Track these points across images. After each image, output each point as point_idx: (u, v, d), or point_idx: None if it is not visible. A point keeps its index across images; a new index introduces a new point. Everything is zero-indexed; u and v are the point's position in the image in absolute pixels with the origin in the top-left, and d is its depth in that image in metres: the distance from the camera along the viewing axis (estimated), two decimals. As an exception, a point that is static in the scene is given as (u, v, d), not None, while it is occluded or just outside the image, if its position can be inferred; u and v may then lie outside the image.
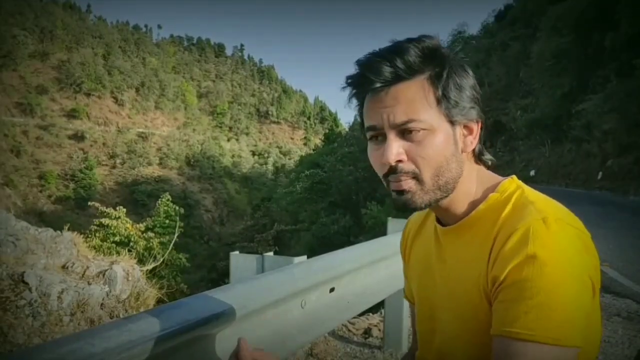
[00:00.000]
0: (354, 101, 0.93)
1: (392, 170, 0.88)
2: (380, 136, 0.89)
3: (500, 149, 28.85)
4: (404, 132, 0.86)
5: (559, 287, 0.77)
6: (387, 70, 0.85)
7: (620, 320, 4.58)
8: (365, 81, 0.87)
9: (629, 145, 18.33)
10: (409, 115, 0.85)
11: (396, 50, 0.87)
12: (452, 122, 0.89)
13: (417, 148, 0.86)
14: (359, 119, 0.99)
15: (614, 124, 19.29)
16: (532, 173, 24.82)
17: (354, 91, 0.92)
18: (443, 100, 0.87)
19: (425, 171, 0.87)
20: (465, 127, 0.92)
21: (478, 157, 0.96)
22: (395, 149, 0.86)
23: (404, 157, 0.87)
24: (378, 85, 0.86)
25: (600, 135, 20.62)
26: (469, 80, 0.91)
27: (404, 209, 0.91)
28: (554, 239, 0.80)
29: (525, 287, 0.78)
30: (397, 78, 0.86)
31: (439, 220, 1.01)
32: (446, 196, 0.91)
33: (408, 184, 0.88)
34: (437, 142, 0.87)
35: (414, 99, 0.86)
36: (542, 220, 0.82)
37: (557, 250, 0.79)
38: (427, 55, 0.87)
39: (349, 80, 0.91)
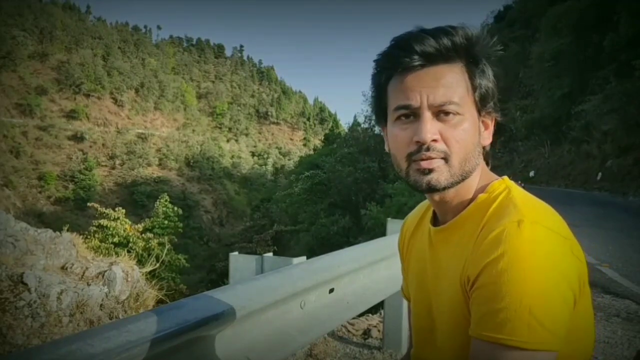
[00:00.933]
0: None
1: (420, 149, 0.87)
2: (411, 115, 0.88)
3: (500, 149, 28.86)
4: (439, 114, 0.87)
5: (528, 290, 0.76)
6: (432, 45, 0.85)
7: (620, 321, 4.59)
8: (407, 54, 0.86)
9: (628, 146, 18.36)
10: (448, 97, 0.86)
11: (443, 30, 0.87)
12: (479, 113, 0.91)
13: (452, 131, 0.87)
14: (372, 99, 0.98)
15: (613, 125, 19.32)
16: (531, 174, 24.85)
17: (385, 67, 0.91)
18: (478, 89, 0.89)
19: (456, 154, 0.88)
20: (483, 122, 0.93)
21: (486, 154, 0.97)
22: (432, 127, 0.86)
23: (438, 137, 0.87)
24: (419, 62, 0.86)
25: (599, 136, 20.64)
26: (493, 76, 0.92)
27: (426, 188, 0.90)
28: (525, 242, 0.79)
29: (494, 290, 0.78)
30: (441, 57, 0.86)
31: (434, 218, 1.02)
32: (461, 183, 0.91)
33: (437, 163, 0.88)
34: (468, 129, 0.88)
35: (454, 83, 0.87)
36: (517, 223, 0.81)
37: (528, 254, 0.78)
38: (469, 42, 0.88)
39: (386, 55, 0.90)
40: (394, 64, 0.88)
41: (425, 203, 1.12)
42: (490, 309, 0.78)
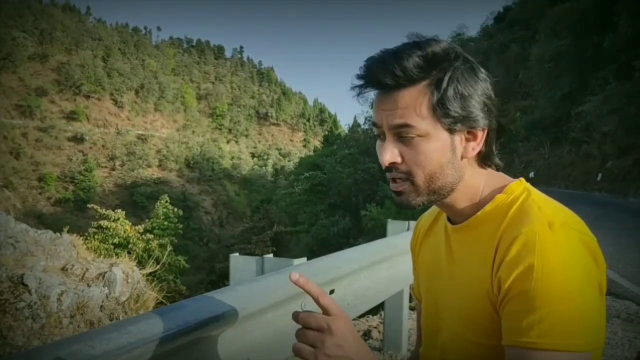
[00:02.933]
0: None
1: (388, 170, 0.91)
2: (382, 134, 0.91)
3: (500, 150, 28.76)
4: (400, 136, 0.88)
5: (569, 293, 0.77)
6: (387, 78, 0.86)
7: (620, 321, 4.59)
8: (367, 82, 0.89)
9: (628, 147, 18.36)
10: (404, 119, 0.86)
11: (397, 57, 0.86)
12: (450, 130, 0.88)
13: (412, 153, 0.88)
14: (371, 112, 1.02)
15: (613, 125, 19.33)
16: (531, 175, 24.83)
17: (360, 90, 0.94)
18: (439, 108, 0.86)
19: (418, 176, 0.89)
20: (469, 132, 0.90)
21: (484, 161, 0.95)
22: (390, 151, 0.89)
23: (398, 160, 0.89)
24: (379, 88, 0.89)
25: (599, 137, 20.65)
26: (477, 87, 0.89)
27: (401, 207, 0.94)
28: (560, 245, 0.80)
29: (535, 296, 0.77)
30: (402, 81, 0.86)
31: (450, 218, 1.01)
32: (443, 198, 0.92)
33: (402, 185, 0.90)
34: (432, 149, 0.87)
35: (410, 106, 0.86)
36: (548, 225, 0.81)
37: (564, 257, 0.79)
38: (429, 62, 0.86)
39: (359, 80, 0.92)
40: (364, 88, 0.92)
41: None
42: (534, 317, 0.77)
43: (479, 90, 0.89)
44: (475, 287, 0.88)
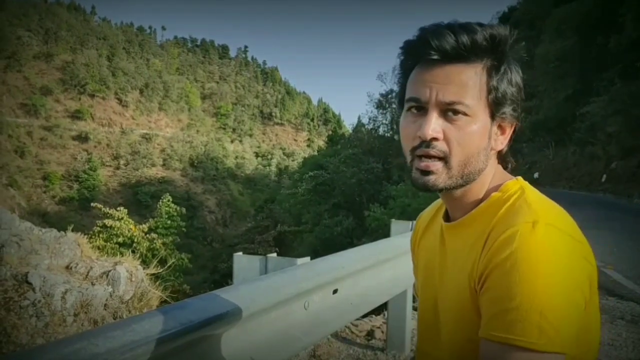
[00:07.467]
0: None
1: (422, 145, 0.88)
2: (421, 109, 0.88)
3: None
4: (447, 112, 0.86)
5: (540, 291, 0.76)
6: (450, 42, 0.84)
7: (624, 323, 4.57)
8: (425, 48, 0.86)
9: (633, 148, 18.29)
10: (458, 97, 0.85)
11: (465, 27, 0.86)
12: (492, 117, 0.89)
13: (455, 131, 0.86)
14: (396, 88, 0.99)
15: (618, 126, 19.26)
16: (536, 175, 24.75)
17: (407, 57, 0.92)
18: (493, 92, 0.87)
19: (456, 156, 0.87)
20: (500, 126, 0.91)
21: (502, 159, 0.96)
22: (435, 125, 0.86)
23: (440, 136, 0.86)
24: (435, 56, 0.85)
25: (604, 138, 20.58)
26: (519, 80, 0.91)
27: (423, 188, 0.90)
28: (538, 244, 0.79)
29: (505, 290, 0.78)
30: (457, 55, 0.85)
31: (446, 216, 1.02)
32: (465, 185, 0.91)
33: (435, 165, 0.88)
34: (475, 131, 0.87)
35: (467, 83, 0.86)
36: (532, 224, 0.81)
37: (540, 255, 0.78)
38: (492, 43, 0.87)
39: (407, 45, 0.90)
40: (413, 55, 0.89)
41: (440, 200, 1.13)
42: (501, 309, 0.78)
43: (520, 83, 0.91)
44: (464, 284, 0.89)
